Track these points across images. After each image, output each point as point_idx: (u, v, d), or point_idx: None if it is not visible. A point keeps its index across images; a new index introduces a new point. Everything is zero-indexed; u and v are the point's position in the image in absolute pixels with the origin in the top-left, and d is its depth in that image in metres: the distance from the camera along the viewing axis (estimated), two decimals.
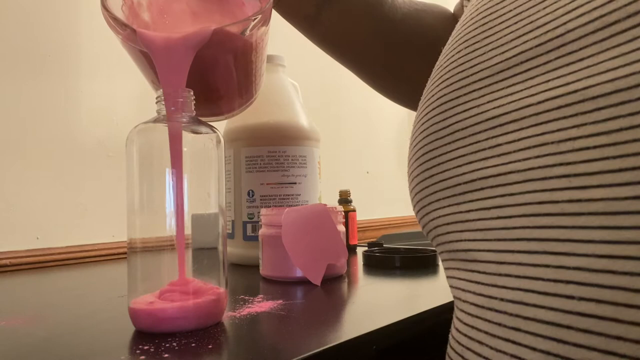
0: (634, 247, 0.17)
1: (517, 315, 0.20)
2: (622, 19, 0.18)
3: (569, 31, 0.20)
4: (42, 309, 0.41)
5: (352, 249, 0.74)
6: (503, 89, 0.22)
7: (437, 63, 0.29)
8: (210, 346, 0.29)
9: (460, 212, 0.24)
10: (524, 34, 0.22)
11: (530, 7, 0.22)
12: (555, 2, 0.21)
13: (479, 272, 0.23)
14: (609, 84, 0.18)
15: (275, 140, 0.61)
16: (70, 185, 0.75)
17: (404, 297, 0.45)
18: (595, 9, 0.19)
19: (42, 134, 0.73)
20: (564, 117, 0.19)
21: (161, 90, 0.34)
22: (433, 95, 0.27)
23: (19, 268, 0.66)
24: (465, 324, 0.24)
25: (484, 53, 0.24)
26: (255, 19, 0.35)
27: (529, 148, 0.20)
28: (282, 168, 0.61)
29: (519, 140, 0.21)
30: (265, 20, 0.37)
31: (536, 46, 0.21)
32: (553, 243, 0.19)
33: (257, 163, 0.61)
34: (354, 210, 0.77)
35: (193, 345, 0.29)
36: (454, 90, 0.25)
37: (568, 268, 0.18)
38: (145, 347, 0.28)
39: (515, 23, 0.23)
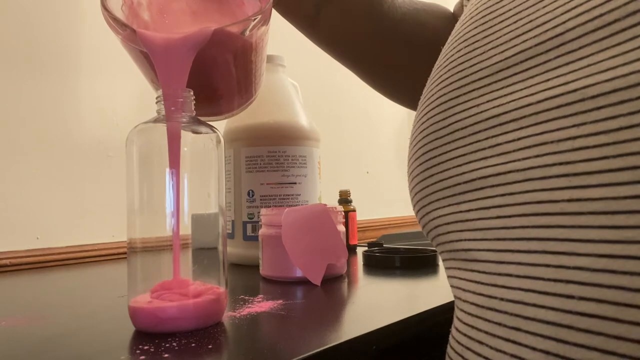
0: (634, 247, 0.17)
1: (517, 315, 0.20)
2: (621, 17, 0.18)
3: (568, 30, 0.20)
4: (42, 309, 0.41)
5: (352, 249, 0.74)
6: (503, 88, 0.22)
7: (437, 62, 0.29)
8: (210, 346, 0.29)
9: (460, 211, 0.24)
10: (523, 33, 0.22)
11: (530, 7, 0.22)
12: (554, 1, 0.21)
13: (479, 271, 0.23)
14: (608, 83, 0.18)
15: (275, 140, 0.61)
16: (70, 185, 0.75)
17: (404, 297, 0.44)
18: (594, 7, 0.19)
19: (42, 134, 0.73)
20: (564, 117, 0.19)
21: (161, 90, 0.34)
22: (433, 95, 0.27)
23: (19, 268, 0.66)
24: (465, 323, 0.24)
25: (484, 52, 0.24)
26: (255, 18, 0.35)
27: (528, 147, 0.20)
28: (282, 168, 0.61)
29: (518, 139, 0.21)
30: (265, 20, 0.37)
31: (536, 45, 0.21)
32: (553, 242, 0.19)
33: (257, 163, 0.61)
34: (354, 210, 0.77)
35: (193, 345, 0.29)
36: (453, 90, 0.25)
37: (568, 267, 0.18)
38: (145, 347, 0.28)
39: (515, 22, 0.23)
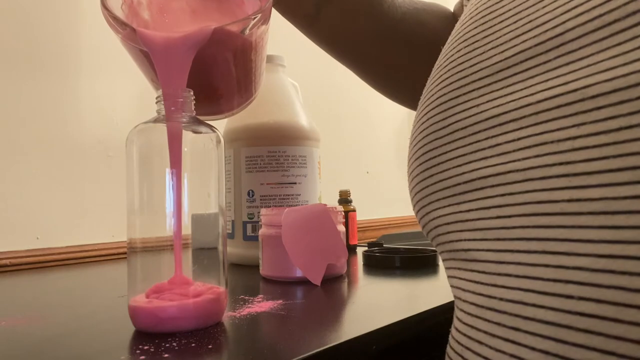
0: (634, 247, 0.17)
1: (516, 315, 0.20)
2: (621, 18, 0.18)
3: (568, 30, 0.20)
4: (42, 309, 0.41)
5: (352, 249, 0.74)
6: (502, 88, 0.22)
7: (437, 62, 0.29)
8: (210, 346, 0.29)
9: (460, 211, 0.24)
10: (523, 33, 0.22)
11: (530, 7, 0.22)
12: (554, 1, 0.21)
13: (478, 271, 0.23)
14: (608, 83, 0.18)
15: (275, 140, 0.61)
16: (70, 185, 0.75)
17: (404, 297, 0.44)
18: (594, 7, 0.19)
19: (42, 134, 0.73)
20: (564, 117, 0.19)
21: (161, 90, 0.34)
22: (433, 95, 0.27)
23: (19, 268, 0.66)
24: (465, 323, 0.24)
25: (484, 52, 0.24)
26: (255, 17, 0.35)
27: (528, 147, 0.20)
28: (282, 168, 0.61)
29: (518, 139, 0.21)
30: (265, 19, 0.37)
31: (535, 45, 0.21)
32: (552, 242, 0.19)
33: (257, 163, 0.61)
34: (354, 210, 0.77)
35: (193, 345, 0.29)
36: (453, 90, 0.25)
37: (567, 268, 0.18)
38: (145, 347, 0.28)
39: (515, 22, 0.23)
